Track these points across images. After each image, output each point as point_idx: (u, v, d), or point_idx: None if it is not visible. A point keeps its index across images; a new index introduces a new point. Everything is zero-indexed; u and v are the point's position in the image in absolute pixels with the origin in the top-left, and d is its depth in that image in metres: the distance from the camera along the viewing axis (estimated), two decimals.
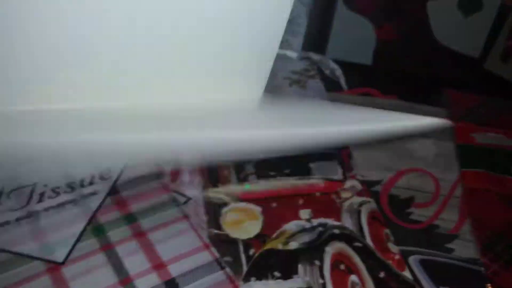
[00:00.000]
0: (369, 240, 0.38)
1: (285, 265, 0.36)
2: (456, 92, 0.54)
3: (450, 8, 0.54)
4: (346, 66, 0.55)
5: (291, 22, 0.55)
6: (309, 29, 0.54)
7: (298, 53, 0.54)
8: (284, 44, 0.55)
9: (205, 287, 0.34)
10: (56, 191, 0.38)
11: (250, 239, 0.38)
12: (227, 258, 0.36)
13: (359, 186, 0.42)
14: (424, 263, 0.38)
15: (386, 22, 0.55)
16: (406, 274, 0.36)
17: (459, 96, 0.53)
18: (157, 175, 0.41)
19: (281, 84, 0.50)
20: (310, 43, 0.55)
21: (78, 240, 0.35)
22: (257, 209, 0.40)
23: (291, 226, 0.39)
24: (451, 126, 0.47)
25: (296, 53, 0.54)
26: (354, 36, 0.56)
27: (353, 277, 0.36)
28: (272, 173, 0.43)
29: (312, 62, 0.53)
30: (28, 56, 0.27)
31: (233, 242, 0.37)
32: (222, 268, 0.35)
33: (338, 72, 0.53)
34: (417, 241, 0.39)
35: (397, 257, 0.37)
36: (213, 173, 0.43)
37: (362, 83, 0.53)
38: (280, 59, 0.54)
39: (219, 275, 0.35)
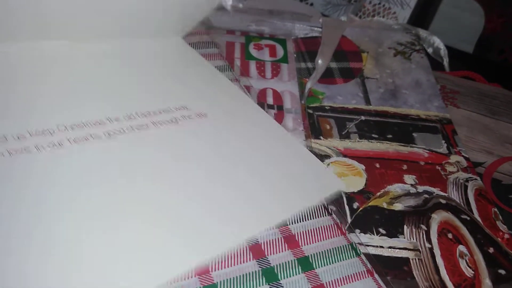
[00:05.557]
0: (476, 215, 0.37)
1: (390, 224, 0.35)
2: None
3: None
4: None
5: None
6: (419, 3, 0.53)
7: (403, 26, 0.52)
8: (391, 14, 0.54)
9: (313, 227, 0.33)
10: None
11: (353, 193, 0.37)
12: (331, 207, 0.35)
13: (464, 163, 0.41)
14: None
15: (498, 11, 0.54)
16: None
17: None
18: None
19: (386, 53, 0.49)
20: (415, 18, 0.54)
21: None
22: (361, 166, 0.39)
23: (395, 188, 0.38)
24: None
25: (400, 25, 0.52)
26: (461, 20, 0.54)
27: (462, 247, 0.34)
28: (374, 135, 0.42)
29: (417, 37, 0.51)
30: None
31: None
32: (329, 214, 0.34)
33: (444, 52, 0.51)
34: None
35: (506, 236, 0.36)
36: (315, 125, 0.41)
37: (463, 67, 0.52)
38: (386, 28, 0.53)
39: (326, 220, 0.34)
